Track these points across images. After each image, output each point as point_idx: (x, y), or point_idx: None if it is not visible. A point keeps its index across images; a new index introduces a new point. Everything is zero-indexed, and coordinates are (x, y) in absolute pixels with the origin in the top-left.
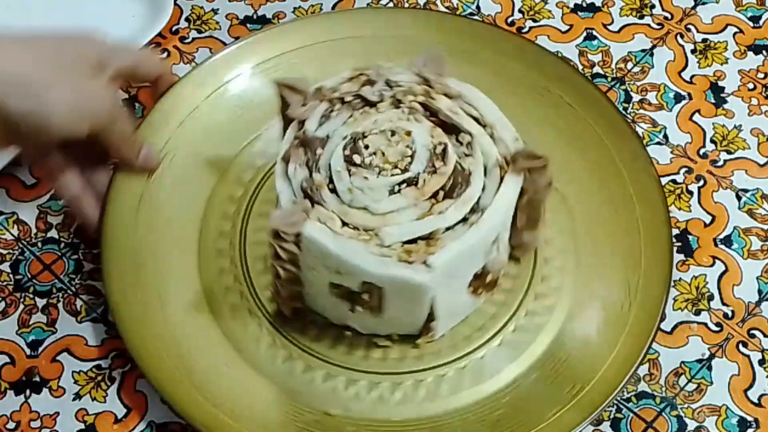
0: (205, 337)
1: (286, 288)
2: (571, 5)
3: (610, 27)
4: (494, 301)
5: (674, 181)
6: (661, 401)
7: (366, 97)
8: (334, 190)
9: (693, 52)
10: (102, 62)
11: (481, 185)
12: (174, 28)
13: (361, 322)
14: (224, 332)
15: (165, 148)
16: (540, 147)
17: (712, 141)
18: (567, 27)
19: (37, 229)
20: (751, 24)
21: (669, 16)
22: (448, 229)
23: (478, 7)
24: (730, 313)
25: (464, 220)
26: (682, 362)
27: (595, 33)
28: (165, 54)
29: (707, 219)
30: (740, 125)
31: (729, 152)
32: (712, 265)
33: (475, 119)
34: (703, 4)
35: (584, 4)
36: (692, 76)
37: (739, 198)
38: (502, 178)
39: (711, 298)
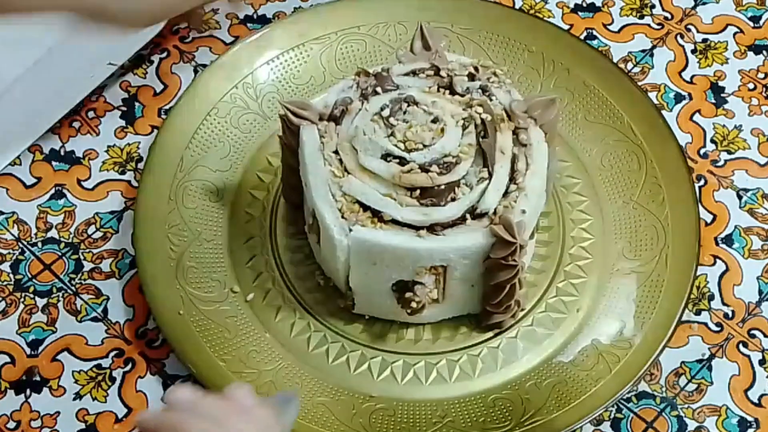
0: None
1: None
2: (571, 5)
3: (610, 27)
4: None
5: None
6: (662, 401)
7: (453, 85)
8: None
9: (693, 52)
10: None
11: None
12: (174, 28)
13: (417, 317)
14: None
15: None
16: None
17: (712, 141)
18: (567, 27)
19: (37, 229)
20: (751, 24)
21: (669, 16)
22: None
23: None
24: (730, 313)
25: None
26: (683, 362)
27: (595, 33)
28: (165, 54)
29: (708, 218)
30: (740, 125)
31: (729, 152)
32: (713, 264)
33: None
34: (704, 4)
35: (584, 4)
36: (692, 76)
37: (739, 197)
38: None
39: (711, 297)
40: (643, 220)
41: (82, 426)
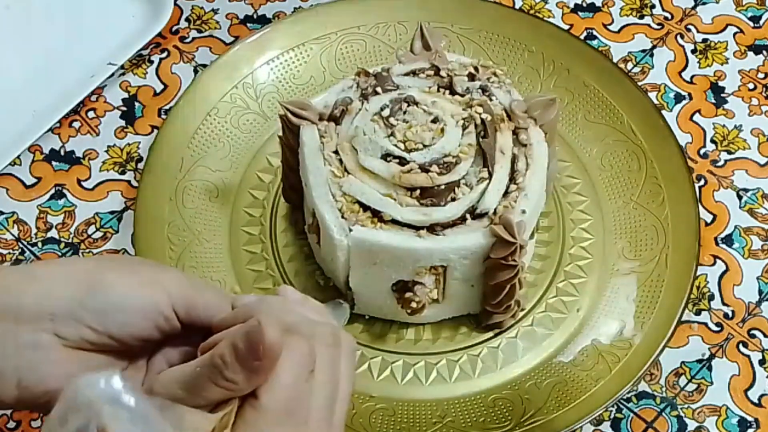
0: None
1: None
2: (571, 5)
3: (610, 27)
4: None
5: None
6: (662, 401)
7: (453, 85)
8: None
9: (693, 52)
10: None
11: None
12: (174, 28)
13: (417, 317)
14: None
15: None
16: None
17: (712, 141)
18: (567, 27)
19: (37, 229)
20: (751, 24)
21: (669, 16)
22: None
23: None
24: (730, 313)
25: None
26: (683, 362)
27: (595, 33)
28: (165, 54)
29: (708, 218)
30: (740, 125)
31: (729, 152)
32: (713, 265)
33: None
34: (703, 4)
35: (584, 4)
36: (692, 76)
37: (739, 197)
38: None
39: (711, 297)
40: (643, 220)
41: None
